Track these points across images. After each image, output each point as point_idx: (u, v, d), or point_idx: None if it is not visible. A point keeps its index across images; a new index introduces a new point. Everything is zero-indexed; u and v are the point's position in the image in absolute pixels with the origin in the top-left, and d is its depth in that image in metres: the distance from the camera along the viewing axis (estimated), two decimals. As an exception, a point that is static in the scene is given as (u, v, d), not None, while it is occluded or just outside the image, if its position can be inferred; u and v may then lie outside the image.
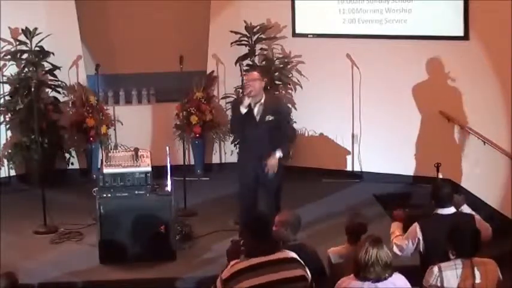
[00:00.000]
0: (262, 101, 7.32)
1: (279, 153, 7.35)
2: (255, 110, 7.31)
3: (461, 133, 9.00)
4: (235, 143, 9.99)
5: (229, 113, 10.09)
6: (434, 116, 9.25)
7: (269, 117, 7.30)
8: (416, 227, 5.81)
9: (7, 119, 9.77)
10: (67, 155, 9.94)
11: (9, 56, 9.74)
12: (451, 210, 5.86)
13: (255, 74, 7.44)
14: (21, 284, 6.64)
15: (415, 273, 5.43)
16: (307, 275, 5.10)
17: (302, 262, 5.12)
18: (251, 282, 4.93)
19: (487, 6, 8.42)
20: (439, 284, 5.05)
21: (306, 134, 10.05)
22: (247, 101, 7.28)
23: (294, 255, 5.12)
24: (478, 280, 5.08)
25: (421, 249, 5.78)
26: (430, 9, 9.11)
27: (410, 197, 9.14)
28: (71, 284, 7.04)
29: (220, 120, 10.12)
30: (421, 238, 5.76)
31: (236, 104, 7.54)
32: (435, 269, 5.08)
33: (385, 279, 4.81)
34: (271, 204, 7.43)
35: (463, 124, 8.92)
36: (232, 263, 5.08)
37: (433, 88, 9.26)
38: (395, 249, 5.81)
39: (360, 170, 9.87)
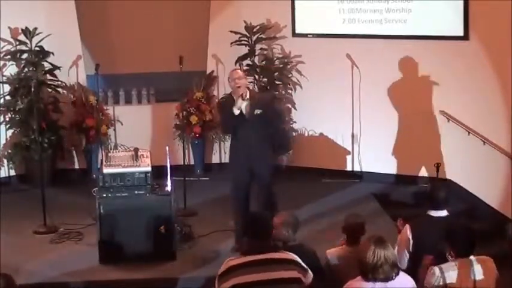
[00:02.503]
0: (247, 97, 7.37)
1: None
2: (243, 107, 7.34)
3: (461, 133, 8.99)
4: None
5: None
6: (434, 116, 9.25)
7: (257, 111, 7.35)
8: (406, 228, 5.82)
9: (7, 119, 9.77)
10: (66, 155, 9.95)
11: (9, 56, 9.74)
12: (444, 213, 5.85)
13: (238, 71, 7.60)
14: (21, 284, 6.67)
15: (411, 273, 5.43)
16: (305, 277, 5.08)
17: (303, 265, 5.11)
18: (243, 278, 4.93)
19: (487, 6, 8.43)
20: (442, 285, 5.04)
21: (306, 134, 10.05)
22: (241, 102, 7.30)
23: (293, 256, 5.11)
24: (480, 277, 5.08)
25: (410, 249, 5.78)
26: (430, 9, 9.11)
27: (409, 197, 9.14)
28: (71, 284, 7.04)
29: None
30: (410, 238, 5.77)
31: (225, 104, 7.54)
32: (436, 270, 5.07)
33: (393, 278, 4.81)
34: (267, 200, 7.47)
35: (463, 124, 8.91)
36: (228, 259, 5.09)
37: (433, 88, 9.25)
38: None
39: (359, 170, 9.86)
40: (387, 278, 4.79)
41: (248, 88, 7.57)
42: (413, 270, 5.45)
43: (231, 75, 7.48)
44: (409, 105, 9.40)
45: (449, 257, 5.11)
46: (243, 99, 7.31)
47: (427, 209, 5.89)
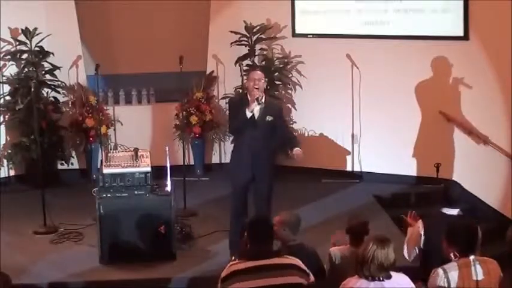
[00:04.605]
0: (262, 100, 7.17)
1: (297, 148, 7.24)
2: (255, 111, 7.16)
3: (461, 133, 8.99)
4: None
5: (229, 113, 10.11)
6: (434, 116, 9.25)
7: (269, 118, 7.18)
8: (419, 224, 5.84)
9: (7, 119, 9.76)
10: (66, 155, 9.95)
11: (9, 56, 9.74)
12: (456, 211, 5.87)
13: (260, 72, 7.27)
14: (21, 284, 6.69)
15: (415, 273, 5.43)
16: (307, 281, 5.07)
17: (305, 269, 5.10)
18: (245, 284, 4.93)
19: (487, 6, 8.43)
20: (446, 286, 5.04)
21: (306, 134, 10.04)
22: (255, 105, 7.08)
23: (295, 261, 5.10)
24: (481, 277, 5.07)
25: (421, 245, 5.79)
26: (430, 9, 9.11)
27: (410, 197, 9.14)
28: (71, 284, 7.03)
29: (220, 121, 10.11)
30: (422, 233, 5.78)
31: (238, 103, 7.34)
32: (440, 271, 5.05)
33: (380, 279, 4.80)
34: (265, 204, 7.31)
35: (463, 124, 8.92)
36: (230, 263, 5.09)
37: (433, 88, 9.25)
38: (405, 253, 5.83)
39: (359, 170, 9.86)
40: (372, 277, 4.78)
41: (264, 92, 7.33)
42: (424, 267, 5.45)
43: (251, 75, 7.24)
44: (408, 106, 9.37)
45: (453, 256, 5.10)
46: (258, 103, 7.10)
47: (438, 206, 5.91)
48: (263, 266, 5.00)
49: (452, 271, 5.04)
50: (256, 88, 7.14)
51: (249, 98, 7.18)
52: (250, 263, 5.01)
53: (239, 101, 7.40)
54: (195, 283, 7.03)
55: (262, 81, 7.21)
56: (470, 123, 8.82)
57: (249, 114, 7.12)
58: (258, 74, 7.25)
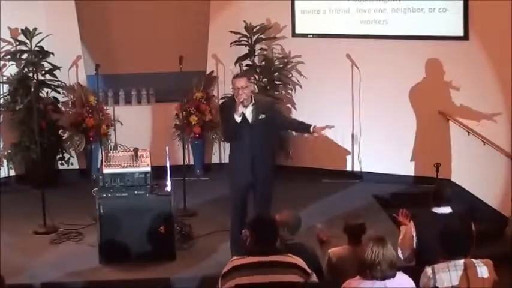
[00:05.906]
0: (253, 101, 7.10)
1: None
2: (247, 113, 7.07)
3: (460, 133, 8.99)
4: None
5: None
6: (434, 116, 9.25)
7: (261, 116, 7.10)
8: (411, 226, 5.85)
9: (7, 119, 9.76)
10: (66, 155, 9.95)
11: (9, 56, 9.74)
12: (447, 210, 5.87)
13: (244, 80, 7.08)
14: (21, 284, 6.70)
15: (415, 273, 5.43)
16: (308, 280, 5.08)
17: (306, 269, 5.10)
18: (246, 279, 4.96)
19: (487, 6, 8.43)
20: (432, 286, 5.05)
21: (306, 134, 10.02)
22: (241, 109, 6.99)
23: (297, 261, 5.10)
24: (486, 275, 5.07)
25: (415, 246, 5.80)
26: (430, 9, 9.11)
27: (410, 197, 9.13)
28: (71, 284, 7.04)
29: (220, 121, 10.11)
30: (414, 235, 5.78)
31: (225, 109, 7.25)
32: (429, 270, 5.07)
33: (390, 277, 4.82)
34: (265, 205, 7.24)
35: (462, 124, 8.91)
36: (232, 258, 5.11)
37: (432, 88, 9.25)
38: (399, 253, 5.84)
39: (359, 170, 9.86)
40: (384, 277, 4.80)
41: (253, 92, 7.29)
42: (418, 266, 5.45)
43: (234, 84, 7.11)
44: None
45: (441, 258, 5.11)
46: (244, 106, 7.02)
47: (430, 206, 5.91)
48: (265, 262, 5.02)
49: (442, 273, 5.03)
50: (240, 94, 7.00)
51: (236, 102, 7.06)
52: (252, 259, 5.03)
53: (227, 106, 7.27)
54: (195, 283, 7.04)
55: (246, 88, 7.02)
56: (469, 123, 8.83)
57: (238, 119, 7.03)
58: (242, 81, 7.08)
